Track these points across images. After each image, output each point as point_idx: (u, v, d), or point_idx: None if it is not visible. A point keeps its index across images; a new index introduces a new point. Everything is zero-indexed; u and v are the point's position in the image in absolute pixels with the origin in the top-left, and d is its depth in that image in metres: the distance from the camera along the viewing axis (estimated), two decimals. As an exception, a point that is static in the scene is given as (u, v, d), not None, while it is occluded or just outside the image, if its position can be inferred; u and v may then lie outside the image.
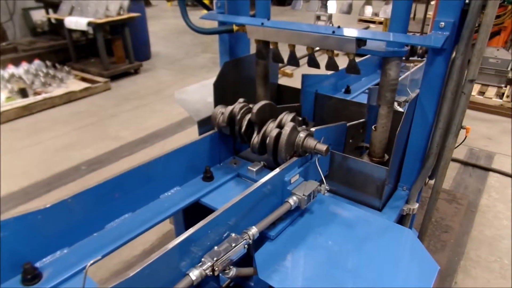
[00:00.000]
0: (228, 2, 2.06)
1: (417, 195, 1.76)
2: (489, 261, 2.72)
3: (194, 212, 1.70)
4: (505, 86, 5.47)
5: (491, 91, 5.34)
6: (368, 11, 1.90)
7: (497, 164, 3.90)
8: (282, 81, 2.89)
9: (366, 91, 2.94)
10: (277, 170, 1.44)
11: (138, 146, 4.36)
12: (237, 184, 1.76)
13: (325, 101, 2.40)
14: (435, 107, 1.57)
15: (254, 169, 1.74)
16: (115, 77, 6.44)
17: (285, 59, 1.95)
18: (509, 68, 5.64)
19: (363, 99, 2.65)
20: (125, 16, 6.18)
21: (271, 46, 1.88)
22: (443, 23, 1.41)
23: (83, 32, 6.74)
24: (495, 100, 5.15)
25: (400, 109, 2.32)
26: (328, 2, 1.89)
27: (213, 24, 2.11)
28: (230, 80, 2.16)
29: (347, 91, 2.83)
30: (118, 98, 5.76)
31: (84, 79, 6.15)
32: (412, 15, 9.04)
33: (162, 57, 7.89)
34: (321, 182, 1.54)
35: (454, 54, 1.44)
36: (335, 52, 1.71)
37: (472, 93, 5.31)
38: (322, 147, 1.49)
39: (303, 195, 1.42)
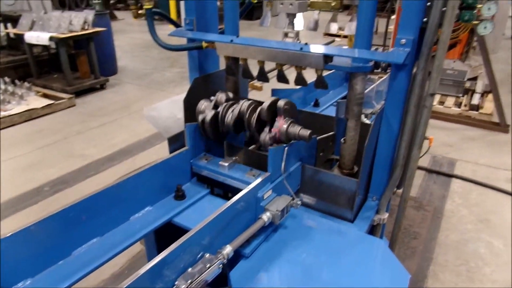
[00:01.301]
0: (197, 19, 2.07)
1: (386, 205, 1.81)
2: (456, 265, 2.83)
3: (165, 232, 1.66)
4: (463, 96, 5.78)
5: (450, 101, 5.62)
6: (334, 28, 1.96)
7: (459, 170, 4.09)
8: (252, 94, 2.92)
9: (334, 104, 3.01)
10: (249, 187, 1.43)
11: (105, 164, 4.23)
12: (210, 201, 1.74)
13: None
14: (400, 119, 1.63)
15: (226, 164, 1.73)
16: (80, 93, 6.25)
17: (255, 75, 1.97)
18: (465, 79, 5.98)
19: (331, 112, 2.71)
20: (90, 30, 6.05)
21: (240, 62, 1.90)
22: (404, 40, 1.48)
23: (45, 47, 6.54)
24: (454, 109, 5.42)
25: (367, 121, 2.39)
26: (295, 19, 1.94)
27: (180, 40, 2.11)
28: (200, 96, 2.15)
29: (316, 104, 2.89)
30: (83, 114, 5.59)
31: (46, 96, 5.93)
32: (374, 29, 9.45)
33: (129, 71, 7.76)
34: (293, 197, 1.55)
35: (415, 69, 1.51)
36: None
37: (433, 103, 5.59)
38: (305, 132, 1.52)
39: (277, 210, 1.43)
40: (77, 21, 5.87)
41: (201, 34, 1.94)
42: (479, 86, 5.95)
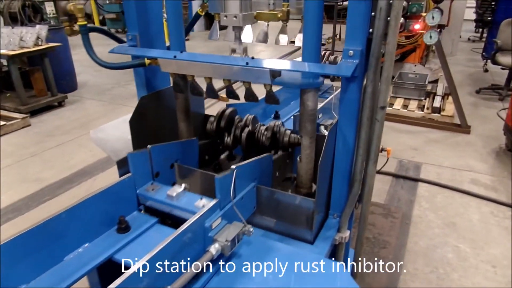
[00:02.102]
0: (140, 35, 1.94)
1: (347, 222, 1.73)
2: (426, 273, 2.80)
3: (110, 267, 1.50)
4: (425, 99, 5.89)
5: (413, 104, 5.72)
6: (284, 40, 1.88)
7: (424, 174, 4.12)
8: (218, 106, 2.79)
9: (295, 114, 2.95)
10: (195, 216, 1.31)
11: (62, 187, 3.97)
12: (158, 231, 1.59)
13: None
14: (354, 133, 1.56)
15: (174, 194, 1.60)
16: (36, 112, 5.92)
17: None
18: (426, 82, 6.12)
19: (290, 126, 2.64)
20: (44, 46, 5.76)
21: (188, 79, 1.78)
22: (351, 52, 1.42)
23: (-4, 65, 6.18)
24: (417, 112, 5.51)
25: (326, 133, 2.32)
26: (244, 32, 1.85)
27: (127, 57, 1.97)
28: (149, 116, 2.02)
29: (276, 116, 2.81)
30: (39, 134, 5.28)
31: (-2, 116, 5.57)
32: (338, 36, 9.56)
33: (90, 87, 7.46)
34: (245, 224, 1.43)
35: (365, 81, 1.44)
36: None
37: (397, 107, 5.67)
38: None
39: (226, 240, 1.31)
40: (29, 37, 5.58)
41: (143, 51, 1.81)
42: (440, 88, 6.10)
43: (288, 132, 1.89)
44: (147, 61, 1.80)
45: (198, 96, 1.84)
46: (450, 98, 5.66)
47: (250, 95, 1.69)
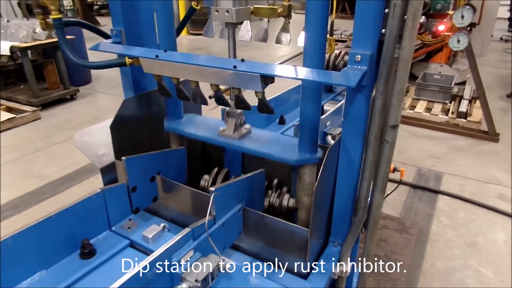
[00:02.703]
0: (127, 30, 1.74)
1: (350, 252, 1.48)
2: (442, 300, 2.52)
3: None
4: (450, 102, 5.51)
5: (437, 108, 5.35)
6: (286, 38, 1.65)
7: (445, 185, 3.79)
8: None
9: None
10: (161, 249, 1.10)
11: (63, 185, 3.87)
12: (127, 257, 1.39)
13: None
14: (361, 152, 1.32)
15: (150, 236, 1.39)
16: (48, 105, 5.88)
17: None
18: (453, 84, 5.71)
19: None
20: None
21: (173, 82, 1.57)
22: (359, 56, 1.17)
23: (11, 57, 6.16)
24: (441, 116, 5.14)
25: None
26: (242, 29, 1.63)
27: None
28: (134, 121, 1.82)
29: (281, 121, 2.57)
30: (48, 128, 5.22)
31: (10, 109, 5.55)
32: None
33: (104, 80, 7.39)
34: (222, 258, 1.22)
35: (374, 93, 1.19)
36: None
37: (419, 110, 5.31)
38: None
39: (196, 281, 1.10)
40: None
41: (124, 48, 1.61)
42: (467, 91, 5.68)
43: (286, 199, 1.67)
44: (128, 61, 1.60)
45: (185, 100, 1.63)
46: (478, 102, 5.25)
47: (241, 103, 1.46)
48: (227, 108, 1.58)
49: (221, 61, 1.35)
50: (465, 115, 5.08)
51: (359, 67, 1.17)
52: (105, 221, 1.45)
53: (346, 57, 2.19)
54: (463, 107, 5.19)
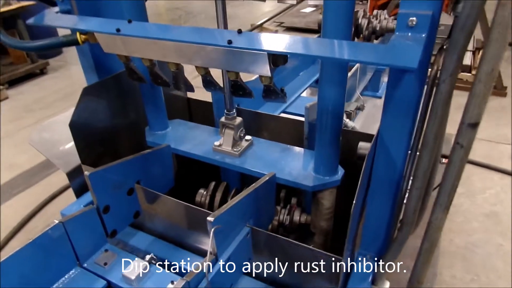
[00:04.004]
0: (78, -7, 1.30)
1: (386, 274, 1.18)
2: (466, 282, 2.30)
3: None
4: None
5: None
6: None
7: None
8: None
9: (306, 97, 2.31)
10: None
11: (37, 175, 3.47)
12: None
13: (250, 119, 1.73)
14: (405, 154, 0.97)
15: (133, 277, 1.05)
16: (15, 82, 5.31)
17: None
18: (454, 35, 5.30)
19: (302, 105, 2.02)
20: (14, 6, 5.02)
21: (145, 64, 1.17)
22: (414, 19, 0.79)
23: (-34, 29, 5.48)
24: (445, 72, 4.78)
25: (351, 124, 1.72)
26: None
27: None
28: (100, 113, 1.43)
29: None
30: (17, 109, 4.71)
31: (-28, 89, 4.99)
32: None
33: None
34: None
35: (435, 70, 0.83)
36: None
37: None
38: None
39: None
40: (-5, -4, 4.84)
41: (73, 20, 1.18)
42: (470, 41, 5.29)
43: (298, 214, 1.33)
44: (81, 37, 1.18)
45: (163, 86, 1.24)
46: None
47: (239, 89, 1.08)
48: (223, 119, 1.21)
49: (209, 34, 0.95)
50: (469, 68, 4.73)
51: (416, 35, 0.78)
52: (71, 257, 1.10)
53: (383, 18, 1.76)
54: (467, 59, 4.81)
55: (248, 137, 1.39)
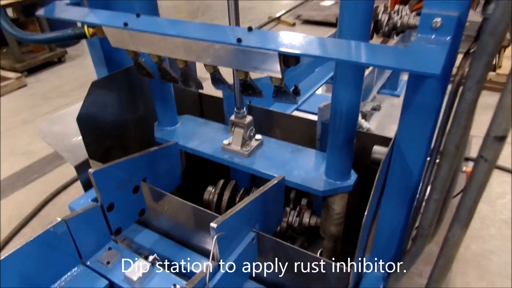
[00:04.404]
0: (88, -16, 1.27)
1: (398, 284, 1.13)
2: (480, 290, 2.23)
3: None
4: (476, 53, 4.93)
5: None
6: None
7: (474, 150, 3.39)
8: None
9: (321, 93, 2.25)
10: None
11: (53, 163, 3.52)
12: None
13: (261, 116, 1.68)
14: (423, 163, 0.91)
15: (135, 278, 1.03)
16: (34, 70, 5.39)
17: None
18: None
19: (317, 103, 1.96)
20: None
21: (153, 60, 1.13)
22: (438, 20, 0.72)
23: (-13, 17, 5.57)
24: (467, 70, 4.61)
25: (366, 125, 1.65)
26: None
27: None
28: (109, 108, 1.41)
29: (296, 92, 2.12)
30: (35, 97, 4.78)
31: (-9, 76, 5.09)
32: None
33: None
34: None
35: (459, 77, 0.76)
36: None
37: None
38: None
39: None
40: (15, -16, 4.88)
41: (82, 13, 1.15)
42: (496, 39, 5.08)
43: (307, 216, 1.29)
44: (89, 30, 1.15)
45: (171, 82, 1.20)
46: (507, 51, 4.68)
47: (250, 88, 1.04)
48: (232, 117, 1.17)
49: (218, 31, 0.90)
50: (494, 67, 4.54)
51: (440, 38, 0.72)
52: (74, 255, 1.09)
53: (404, 14, 1.68)
54: (492, 58, 4.63)
55: (258, 136, 1.35)
